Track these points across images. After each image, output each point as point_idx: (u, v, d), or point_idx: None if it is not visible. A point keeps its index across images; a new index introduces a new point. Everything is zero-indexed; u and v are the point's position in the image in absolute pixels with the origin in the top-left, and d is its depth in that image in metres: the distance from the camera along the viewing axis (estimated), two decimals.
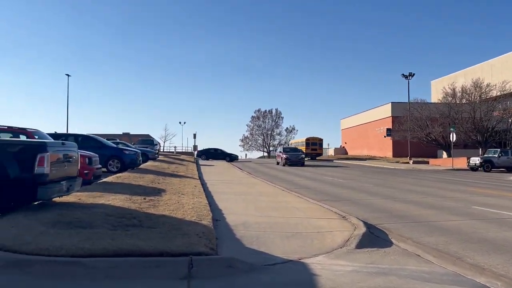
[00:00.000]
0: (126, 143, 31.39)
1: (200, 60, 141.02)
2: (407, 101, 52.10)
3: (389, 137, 56.85)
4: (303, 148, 52.55)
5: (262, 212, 9.98)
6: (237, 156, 57.90)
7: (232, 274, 5.10)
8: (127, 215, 7.22)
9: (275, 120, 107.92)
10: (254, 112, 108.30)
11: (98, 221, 6.47)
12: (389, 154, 57.63)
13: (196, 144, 52.05)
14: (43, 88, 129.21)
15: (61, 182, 7.58)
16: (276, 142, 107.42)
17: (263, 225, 8.16)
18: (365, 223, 8.69)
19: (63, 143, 7.83)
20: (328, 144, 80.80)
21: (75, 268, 4.68)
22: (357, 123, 71.99)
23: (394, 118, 55.71)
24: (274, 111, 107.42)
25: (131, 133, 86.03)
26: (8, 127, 12.54)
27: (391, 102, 59.71)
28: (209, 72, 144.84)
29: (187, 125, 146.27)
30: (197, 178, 20.66)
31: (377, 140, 62.71)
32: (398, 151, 54.51)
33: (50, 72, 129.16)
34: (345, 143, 77.78)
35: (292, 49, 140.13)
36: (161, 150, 54.46)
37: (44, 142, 7.14)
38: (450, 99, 48.71)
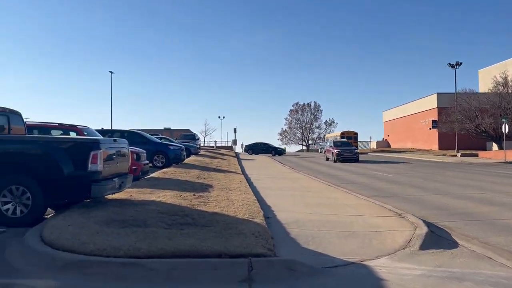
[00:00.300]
0: (169, 138, 31.79)
1: (239, 54, 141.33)
2: (454, 92, 49.96)
3: (435, 129, 54.83)
4: None
5: (312, 209, 9.66)
6: (283, 150, 56.98)
7: (293, 277, 4.85)
8: (179, 212, 7.10)
9: (314, 113, 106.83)
10: (293, 106, 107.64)
11: (152, 219, 6.38)
12: (435, 146, 55.62)
13: (235, 139, 52.19)
14: (87, 85, 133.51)
15: (114, 179, 7.56)
16: (315, 136, 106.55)
17: (316, 223, 7.85)
18: (425, 222, 8.19)
19: (115, 140, 7.82)
20: (370, 137, 79.29)
21: (134, 269, 4.56)
22: (400, 115, 69.91)
23: (440, 109, 53.60)
24: (312, 104, 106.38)
25: (172, 128, 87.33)
26: (59, 124, 12.79)
27: (437, 93, 57.51)
28: (248, 66, 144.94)
29: (226, 120, 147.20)
30: (241, 173, 20.57)
31: (421, 132, 60.66)
32: (445, 144, 52.46)
33: (93, 70, 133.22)
34: (388, 135, 75.78)
35: (330, 40, 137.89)
36: (202, 145, 54.97)
37: (97, 139, 7.13)
38: (501, 88, 46.28)
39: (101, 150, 6.99)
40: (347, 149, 35.76)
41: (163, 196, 8.89)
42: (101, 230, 5.59)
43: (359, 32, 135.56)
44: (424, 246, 6.54)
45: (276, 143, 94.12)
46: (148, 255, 4.77)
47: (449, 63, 49.40)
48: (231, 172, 19.88)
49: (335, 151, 34.85)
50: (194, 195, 9.50)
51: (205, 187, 11.59)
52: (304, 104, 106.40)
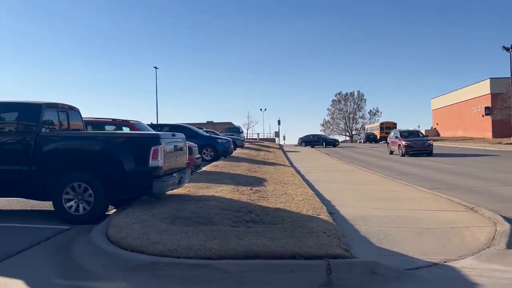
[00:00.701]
0: (215, 131, 31.85)
1: (279, 46, 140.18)
2: (510, 76, 47.12)
3: (488, 116, 52.10)
4: (377, 133, 52.72)
5: (375, 204, 9.16)
6: (336, 141, 54.92)
7: (375, 282, 4.44)
8: (242, 208, 6.84)
9: (357, 102, 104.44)
10: (335, 95, 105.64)
11: (216, 216, 6.14)
12: (488, 134, 52.88)
13: (278, 131, 51.69)
14: (131, 81, 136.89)
15: (173, 175, 7.39)
16: (359, 126, 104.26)
17: (384, 219, 7.37)
18: (505, 217, 7.52)
19: (173, 134, 7.65)
20: (419, 126, 76.62)
21: (207, 271, 4.30)
22: (449, 102, 66.99)
23: (494, 95, 50.81)
24: (356, 94, 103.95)
25: (214, 121, 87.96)
26: (112, 119, 12.88)
27: (490, 78, 54.54)
28: (289, 57, 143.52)
29: (268, 112, 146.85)
30: (289, 165, 20.20)
31: (473, 120, 57.87)
32: (499, 131, 49.72)
33: (137, 66, 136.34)
34: (437, 124, 72.91)
35: (373, 26, 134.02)
36: (245, 138, 54.97)
37: (157, 134, 6.97)
38: None
39: (161, 145, 6.82)
40: (419, 140, 29.21)
41: (221, 191, 8.67)
42: (168, 228, 5.39)
43: (402, 19, 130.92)
44: (511, 244, 5.94)
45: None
46: (220, 256, 4.51)
47: (503, 46, 46.58)
48: (279, 164, 19.55)
49: (403, 143, 28.41)
50: (251, 189, 9.23)
51: (259, 181, 11.32)
52: (347, 93, 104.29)
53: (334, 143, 51.82)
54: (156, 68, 57.11)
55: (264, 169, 15.57)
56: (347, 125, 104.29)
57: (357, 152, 37.36)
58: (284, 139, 61.90)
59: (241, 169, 14.81)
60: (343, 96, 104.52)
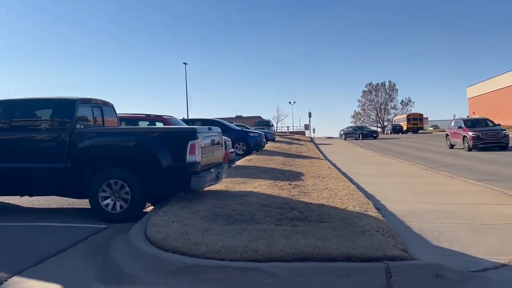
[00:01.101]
0: (245, 125, 31.57)
1: (307, 37, 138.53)
2: None
3: None
4: (404, 124, 52.90)
5: (422, 198, 8.61)
6: (375, 132, 52.00)
7: (441, 285, 3.99)
8: (283, 205, 6.48)
9: (388, 93, 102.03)
10: (366, 86, 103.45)
11: (258, 214, 5.80)
12: None
13: (309, 123, 50.97)
14: (157, 77, 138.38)
15: (211, 170, 7.10)
16: (390, 116, 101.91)
17: (437, 215, 6.85)
18: None
19: (209, 128, 7.34)
20: (454, 115, 74.34)
21: (255, 275, 3.95)
22: (487, 90, 64.39)
23: None
24: (387, 84, 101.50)
25: (243, 115, 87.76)
26: (146, 115, 12.73)
27: None
28: (317, 49, 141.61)
29: (297, 105, 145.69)
30: (323, 158, 19.69)
31: None
32: None
33: (166, 62, 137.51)
34: (473, 113, 70.15)
35: (403, 13, 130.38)
36: (275, 131, 54.50)
37: (193, 128, 6.68)
38: None
39: (198, 140, 6.53)
40: (490, 130, 22.33)
41: (259, 186, 8.33)
42: (209, 227, 5.08)
43: (433, 6, 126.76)
44: None
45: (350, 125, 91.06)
46: (267, 258, 4.15)
47: None
48: (313, 157, 19.07)
49: (471, 134, 22.07)
50: (290, 184, 8.85)
51: (296, 175, 10.92)
52: (378, 84, 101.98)
53: (373, 135, 48.69)
54: (185, 64, 57.27)
55: (299, 163, 15.15)
56: (378, 116, 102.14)
57: (390, 143, 36.29)
58: (313, 132, 60.99)
59: (276, 163, 14.44)
60: (374, 86, 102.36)
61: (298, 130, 75.37)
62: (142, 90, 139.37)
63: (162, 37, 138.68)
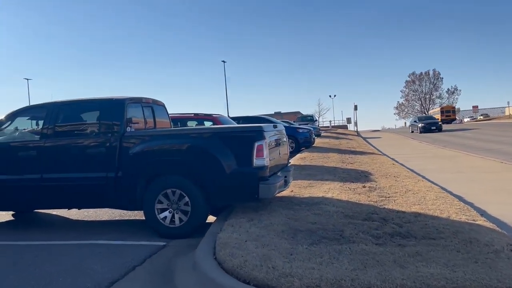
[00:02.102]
0: (289, 121, 30.48)
1: (343, 29, 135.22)
2: None
3: None
4: (438, 117, 55.48)
5: None
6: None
7: None
8: (371, 215, 5.41)
9: (433, 82, 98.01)
10: (409, 76, 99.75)
11: (346, 228, 4.76)
12: None
13: (354, 116, 49.26)
14: (197, 76, 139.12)
15: (279, 174, 6.14)
16: (436, 106, 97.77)
17: None
18: None
19: (275, 126, 6.36)
20: (508, 102, 70.57)
21: None
22: None
23: None
24: (431, 73, 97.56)
25: (282, 111, 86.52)
26: (194, 114, 11.97)
27: None
28: (355, 40, 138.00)
29: (336, 98, 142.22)
30: (380, 153, 18.34)
31: None
32: None
33: (203, 60, 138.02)
34: None
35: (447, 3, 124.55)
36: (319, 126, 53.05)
37: (260, 126, 5.71)
38: None
39: (265, 140, 5.57)
40: None
41: (329, 190, 7.29)
42: (293, 249, 4.10)
43: None
44: None
45: (392, 117, 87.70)
46: None
47: None
48: (369, 153, 17.77)
49: None
50: (364, 186, 7.76)
51: (364, 175, 9.78)
52: (421, 73, 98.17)
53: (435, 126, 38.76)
54: (224, 62, 56.81)
55: (358, 160, 13.95)
56: (423, 107, 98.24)
57: (448, 135, 34.10)
58: (356, 125, 58.93)
59: (333, 160, 13.32)
60: (417, 76, 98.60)
61: (340, 124, 73.34)
62: (178, 89, 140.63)
63: (200, 35, 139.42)
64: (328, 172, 10.16)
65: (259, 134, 5.58)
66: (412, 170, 11.72)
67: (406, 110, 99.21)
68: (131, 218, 7.01)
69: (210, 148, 5.55)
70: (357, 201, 6.37)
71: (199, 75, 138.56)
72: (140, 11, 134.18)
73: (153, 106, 6.99)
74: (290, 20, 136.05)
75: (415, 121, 41.65)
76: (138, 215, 6.87)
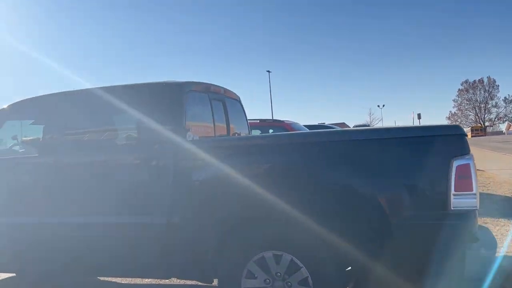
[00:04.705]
0: None
1: (389, 38, 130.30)
2: None
3: None
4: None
5: None
6: None
7: None
8: None
9: (488, 90, 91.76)
10: (461, 84, 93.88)
11: None
12: None
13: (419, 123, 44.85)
14: (241, 86, 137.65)
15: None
16: (492, 116, 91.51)
17: None
18: None
19: None
20: None
21: None
22: None
23: None
24: (485, 80, 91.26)
25: (326, 123, 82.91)
26: (260, 120, 9.29)
27: None
28: (401, 49, 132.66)
29: (385, 108, 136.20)
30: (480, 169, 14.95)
31: None
32: None
33: (250, 70, 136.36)
34: None
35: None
36: None
37: (458, 128, 2.81)
38: None
39: (471, 156, 2.73)
40: None
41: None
42: None
43: None
44: None
45: None
46: None
47: None
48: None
49: None
50: None
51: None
52: (475, 81, 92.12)
53: None
54: (269, 72, 54.37)
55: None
56: (478, 116, 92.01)
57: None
58: None
59: None
60: (471, 84, 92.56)
61: None
62: None
63: (245, 47, 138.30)
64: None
65: (460, 143, 2.73)
66: None
67: (459, 120, 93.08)
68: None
69: (358, 174, 2.72)
70: None
71: (242, 85, 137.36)
72: (187, 21, 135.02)
73: (225, 100, 4.23)
74: (332, 29, 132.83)
75: None
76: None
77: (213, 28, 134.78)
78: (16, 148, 4.19)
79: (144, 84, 3.64)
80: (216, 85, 4.08)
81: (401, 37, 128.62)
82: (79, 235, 3.42)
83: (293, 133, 4.56)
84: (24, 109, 4.01)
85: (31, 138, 4.31)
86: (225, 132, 4.20)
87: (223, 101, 4.20)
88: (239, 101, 4.66)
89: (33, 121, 4.37)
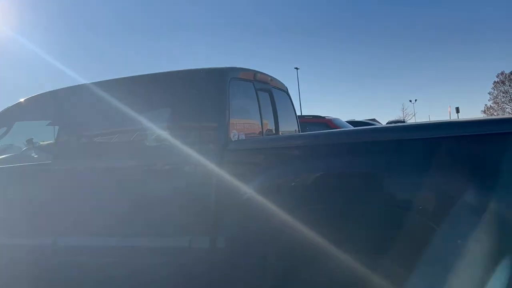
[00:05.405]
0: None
1: (421, 31, 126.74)
2: None
3: None
4: None
5: None
6: None
7: None
8: None
9: None
10: (497, 76, 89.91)
11: None
12: None
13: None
14: None
15: None
16: None
17: None
18: None
19: None
20: None
21: None
22: None
23: None
24: None
25: (356, 119, 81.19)
26: (299, 116, 8.53)
27: None
28: (432, 41, 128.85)
29: (417, 103, 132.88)
30: None
31: None
32: None
33: (278, 67, 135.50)
34: None
35: None
36: None
37: None
38: None
39: None
40: None
41: None
42: None
43: None
44: None
45: None
46: None
47: None
48: None
49: None
50: None
51: None
52: (511, 72, 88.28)
53: None
54: (297, 68, 53.34)
55: None
56: None
57: None
58: None
59: None
60: (507, 76, 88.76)
61: None
62: None
63: (272, 44, 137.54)
64: None
65: None
66: None
67: (496, 113, 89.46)
68: None
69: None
70: None
71: None
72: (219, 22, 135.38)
73: (272, 91, 3.51)
74: (364, 21, 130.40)
75: None
76: None
77: (234, 26, 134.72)
78: (31, 153, 3.59)
79: (177, 72, 2.94)
80: (262, 73, 3.36)
81: (432, 30, 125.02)
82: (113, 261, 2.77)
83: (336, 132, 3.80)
84: (37, 107, 3.39)
85: (49, 142, 3.72)
86: (273, 130, 3.48)
87: (270, 91, 3.48)
88: (287, 92, 3.93)
89: (50, 121, 3.76)
